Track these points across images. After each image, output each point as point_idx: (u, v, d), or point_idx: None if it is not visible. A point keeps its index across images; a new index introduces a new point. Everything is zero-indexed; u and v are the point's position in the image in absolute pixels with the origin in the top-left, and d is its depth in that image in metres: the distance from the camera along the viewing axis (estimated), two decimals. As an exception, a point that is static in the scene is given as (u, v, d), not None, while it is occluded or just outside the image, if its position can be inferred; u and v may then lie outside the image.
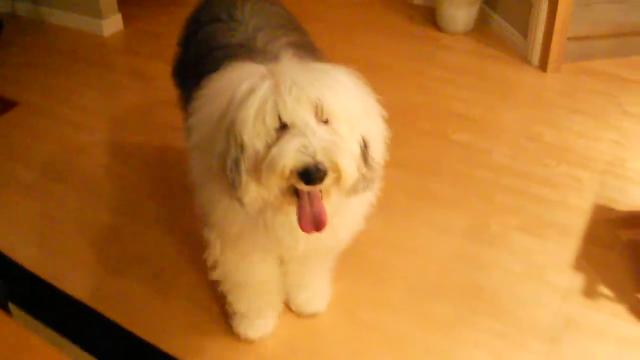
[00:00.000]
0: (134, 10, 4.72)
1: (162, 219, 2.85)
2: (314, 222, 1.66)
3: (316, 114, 1.55)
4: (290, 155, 1.50)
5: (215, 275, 2.16)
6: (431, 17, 4.48)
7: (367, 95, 1.74)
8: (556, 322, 2.37)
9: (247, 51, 2.01)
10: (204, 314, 2.42)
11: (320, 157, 1.50)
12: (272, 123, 1.54)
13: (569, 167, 3.11)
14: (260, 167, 1.56)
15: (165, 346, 2.30)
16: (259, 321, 2.29)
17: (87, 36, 4.44)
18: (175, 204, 2.93)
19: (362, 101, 1.67)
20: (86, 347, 2.30)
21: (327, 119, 1.56)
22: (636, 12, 4.01)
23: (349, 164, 1.57)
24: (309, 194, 1.64)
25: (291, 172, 1.52)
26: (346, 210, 1.85)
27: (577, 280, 2.53)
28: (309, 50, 2.14)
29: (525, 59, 3.99)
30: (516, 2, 4.05)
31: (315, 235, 1.72)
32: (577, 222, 2.79)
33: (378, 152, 1.75)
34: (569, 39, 3.83)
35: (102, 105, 3.71)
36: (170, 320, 2.40)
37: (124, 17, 4.54)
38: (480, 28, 4.37)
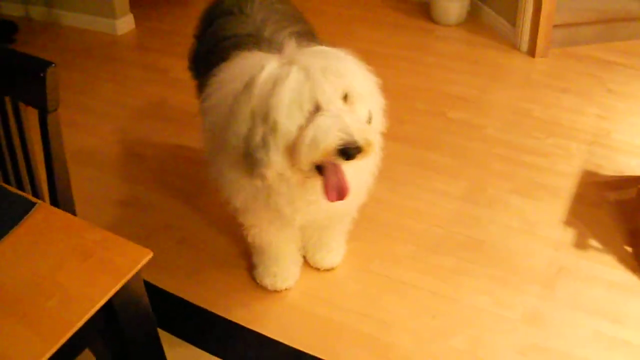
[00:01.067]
0: (144, 10, 4.98)
1: (184, 191, 3.09)
2: (339, 191, 1.86)
3: (343, 98, 1.77)
4: (333, 135, 1.70)
5: (248, 240, 2.41)
6: (425, 11, 4.76)
7: (370, 75, 1.96)
8: (550, 269, 2.61)
9: (254, 40, 2.23)
10: (229, 270, 2.66)
11: (357, 137, 1.72)
12: (308, 107, 1.74)
13: (558, 138, 3.36)
14: (295, 146, 1.75)
15: (194, 299, 2.54)
16: (283, 274, 2.53)
17: (100, 35, 4.68)
18: (193, 178, 3.17)
19: (370, 82, 1.90)
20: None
21: (348, 100, 1.79)
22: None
23: (375, 139, 1.81)
24: (334, 166, 1.84)
25: (334, 149, 1.73)
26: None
27: (568, 234, 2.78)
28: (310, 38, 2.35)
29: (514, 46, 4.26)
30: (505, -6, 4.33)
31: (313, 206, 1.96)
32: (566, 185, 3.04)
33: (378, 123, 1.98)
34: (555, 26, 4.10)
35: (119, 95, 3.94)
36: (199, 277, 2.63)
37: (135, 17, 4.80)
38: (472, 19, 4.65)
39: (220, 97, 1.99)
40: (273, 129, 1.75)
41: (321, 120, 1.71)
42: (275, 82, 1.74)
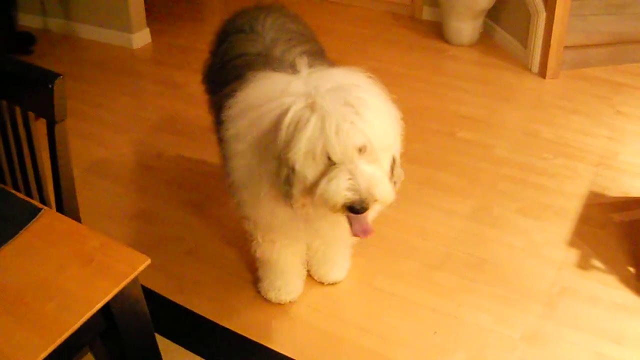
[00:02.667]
0: (161, 25, 5.07)
1: (193, 203, 3.13)
2: (363, 232, 1.92)
3: (360, 150, 1.80)
4: (341, 194, 1.76)
5: (256, 254, 2.45)
6: (438, 31, 4.80)
7: (391, 108, 1.97)
8: (553, 289, 2.62)
9: (264, 60, 2.26)
10: (234, 281, 2.69)
11: (365, 194, 1.77)
12: (321, 160, 1.79)
13: (566, 159, 3.38)
14: (311, 192, 1.81)
15: (199, 309, 2.57)
16: (288, 288, 2.57)
17: (116, 49, 4.76)
18: (204, 190, 3.22)
19: (393, 125, 1.94)
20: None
21: (365, 151, 1.82)
22: (628, 22, 4.31)
23: (388, 194, 1.84)
24: None
25: (341, 206, 1.79)
26: None
27: (572, 255, 2.79)
28: (320, 58, 2.38)
29: (525, 67, 4.29)
30: (517, 15, 4.36)
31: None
32: (572, 206, 3.06)
33: (398, 169, 2.02)
34: (566, 47, 4.12)
35: (134, 108, 4.01)
36: (205, 288, 2.67)
37: (151, 32, 4.88)
38: (484, 40, 4.68)
39: (248, 124, 1.99)
40: (293, 171, 1.82)
41: (333, 175, 1.77)
42: (296, 128, 1.78)
